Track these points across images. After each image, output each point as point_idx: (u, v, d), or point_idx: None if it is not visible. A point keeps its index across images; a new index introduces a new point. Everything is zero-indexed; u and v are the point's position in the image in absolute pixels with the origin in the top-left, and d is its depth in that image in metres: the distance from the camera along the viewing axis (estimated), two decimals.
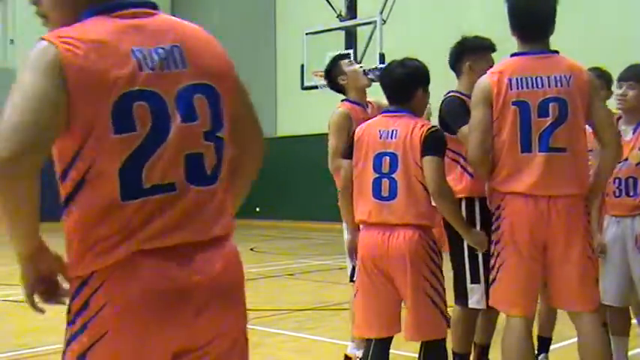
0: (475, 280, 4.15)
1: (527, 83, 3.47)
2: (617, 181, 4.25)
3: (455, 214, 3.82)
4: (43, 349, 5.62)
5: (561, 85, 3.46)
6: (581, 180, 3.53)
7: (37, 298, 2.04)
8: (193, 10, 24.27)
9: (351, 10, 14.74)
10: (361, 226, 3.76)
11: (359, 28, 14.61)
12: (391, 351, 3.87)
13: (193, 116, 1.84)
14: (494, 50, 4.36)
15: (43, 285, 2.10)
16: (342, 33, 14.68)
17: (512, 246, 3.49)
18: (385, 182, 3.59)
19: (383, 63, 13.59)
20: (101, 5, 1.87)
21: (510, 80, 3.48)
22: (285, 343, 5.79)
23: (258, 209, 21.91)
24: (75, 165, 1.97)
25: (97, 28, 1.82)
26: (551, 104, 3.45)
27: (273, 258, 12.42)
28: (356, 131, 3.83)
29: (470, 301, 4.18)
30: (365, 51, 14.35)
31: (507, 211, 3.51)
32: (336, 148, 4.65)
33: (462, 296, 4.20)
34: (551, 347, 5.13)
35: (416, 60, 3.85)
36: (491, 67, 4.14)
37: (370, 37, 14.16)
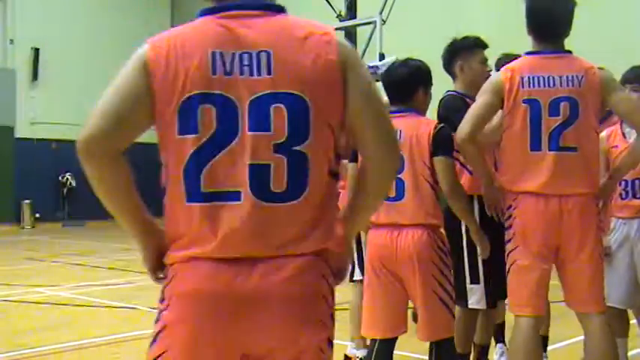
0: (475, 280, 4.16)
1: (538, 82, 3.48)
2: (623, 182, 4.24)
3: (468, 215, 3.84)
4: (43, 349, 5.62)
5: (573, 85, 3.46)
6: (591, 179, 3.52)
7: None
8: (193, 10, 24.17)
9: (351, 10, 14.73)
10: (370, 227, 3.75)
11: (359, 28, 14.60)
12: (395, 352, 3.86)
13: (265, 126, 1.77)
14: (485, 47, 4.35)
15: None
16: (342, 33, 14.65)
17: (524, 246, 3.49)
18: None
19: (382, 60, 13.61)
20: (210, 6, 1.92)
21: (522, 78, 3.49)
22: None
23: None
24: (163, 166, 2.02)
25: (191, 29, 1.89)
26: (562, 103, 3.45)
27: None
28: None
29: (469, 302, 4.18)
30: (365, 51, 14.34)
31: (519, 210, 3.50)
32: None
33: (461, 296, 4.20)
34: (552, 347, 5.13)
35: (418, 60, 3.85)
36: (483, 63, 4.17)
37: (370, 38, 14.15)
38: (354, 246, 5.01)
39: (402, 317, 3.70)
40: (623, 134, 4.34)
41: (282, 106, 1.77)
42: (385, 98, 3.60)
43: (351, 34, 14.60)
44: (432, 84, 3.80)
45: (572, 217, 3.43)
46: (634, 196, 4.25)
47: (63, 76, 21.89)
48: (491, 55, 4.33)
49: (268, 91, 1.78)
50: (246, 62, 1.79)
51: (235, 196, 1.77)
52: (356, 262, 4.93)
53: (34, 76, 21.34)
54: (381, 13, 13.80)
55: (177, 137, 1.81)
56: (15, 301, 7.88)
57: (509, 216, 3.57)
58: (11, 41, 21.20)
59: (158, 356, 1.83)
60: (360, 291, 4.78)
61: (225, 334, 1.78)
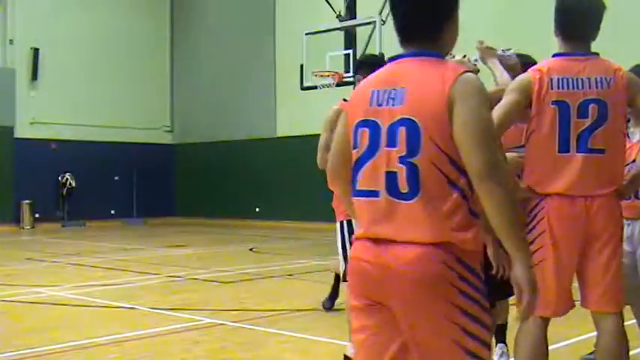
0: None
1: (567, 84, 3.48)
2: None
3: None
4: (42, 349, 5.62)
5: (602, 87, 3.47)
6: (617, 180, 3.53)
7: None
8: (193, 10, 24.26)
9: (351, 10, 14.73)
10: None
11: (358, 29, 14.60)
12: None
13: (393, 142, 2.35)
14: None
15: None
16: (342, 33, 14.68)
17: (550, 247, 3.47)
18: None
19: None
20: (392, 57, 2.53)
21: (552, 79, 3.49)
22: (285, 343, 5.79)
23: (257, 209, 21.92)
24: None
25: (372, 75, 2.54)
26: (590, 105, 3.45)
27: (272, 258, 12.42)
28: None
29: None
30: (364, 51, 14.34)
31: (544, 211, 3.49)
32: (326, 143, 4.78)
33: None
34: (552, 347, 5.13)
35: None
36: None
37: (369, 38, 14.15)
38: (342, 248, 5.03)
39: None
40: (626, 134, 4.34)
41: (404, 128, 2.34)
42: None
43: (350, 35, 14.61)
44: None
45: (598, 217, 3.44)
46: (637, 197, 4.25)
47: (62, 76, 21.89)
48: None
49: (400, 117, 2.36)
50: (392, 96, 2.41)
51: (375, 193, 2.40)
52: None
53: (34, 76, 21.34)
54: (380, 13, 13.79)
55: (352, 151, 2.50)
56: (15, 301, 7.88)
57: (534, 217, 3.57)
58: (11, 41, 21.21)
59: None
60: None
61: (371, 292, 2.41)
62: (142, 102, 23.83)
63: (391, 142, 2.35)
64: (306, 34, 14.92)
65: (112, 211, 22.62)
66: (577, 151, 3.45)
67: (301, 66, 14.82)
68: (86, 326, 6.55)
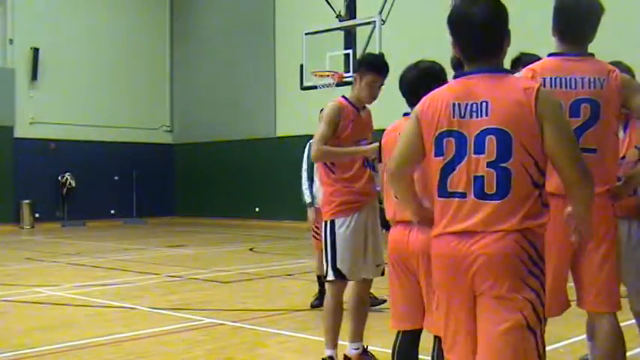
0: None
1: (560, 83, 3.50)
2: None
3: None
4: (42, 349, 5.62)
5: (594, 87, 3.49)
6: (609, 180, 3.54)
7: None
8: (193, 10, 24.25)
9: (351, 10, 14.72)
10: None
11: (358, 29, 14.59)
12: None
13: (481, 150, 2.72)
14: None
15: None
16: (342, 33, 14.67)
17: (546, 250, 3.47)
18: None
19: None
20: (460, 73, 2.89)
21: (544, 79, 3.50)
22: (285, 343, 5.79)
23: (257, 209, 21.91)
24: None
25: (443, 89, 2.89)
26: (582, 105, 3.47)
27: (272, 258, 12.42)
28: (383, 136, 4.03)
29: None
30: (364, 51, 14.33)
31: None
32: (322, 136, 4.84)
33: None
34: (552, 347, 5.13)
35: (432, 61, 3.94)
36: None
37: (369, 38, 14.15)
38: (327, 248, 4.98)
39: (419, 310, 3.71)
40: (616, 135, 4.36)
41: (493, 136, 2.71)
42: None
43: (350, 35, 14.60)
44: (441, 82, 3.80)
45: (592, 216, 3.44)
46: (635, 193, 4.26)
47: (62, 75, 21.90)
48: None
49: (486, 127, 2.73)
50: (474, 109, 2.76)
51: (464, 195, 2.78)
52: (329, 264, 4.92)
53: (34, 75, 21.34)
54: (380, 13, 13.79)
55: (434, 158, 2.86)
56: (14, 301, 7.88)
57: None
58: (10, 41, 21.21)
59: None
60: (334, 291, 4.85)
61: (460, 280, 2.79)
62: (142, 102, 23.83)
63: (479, 150, 2.73)
64: (306, 34, 14.91)
65: (112, 211, 22.62)
66: None
67: (301, 66, 14.81)
68: (86, 326, 6.55)
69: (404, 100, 3.97)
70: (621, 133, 4.32)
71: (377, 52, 13.57)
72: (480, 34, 2.83)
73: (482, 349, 2.77)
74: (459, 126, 2.76)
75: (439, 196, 2.84)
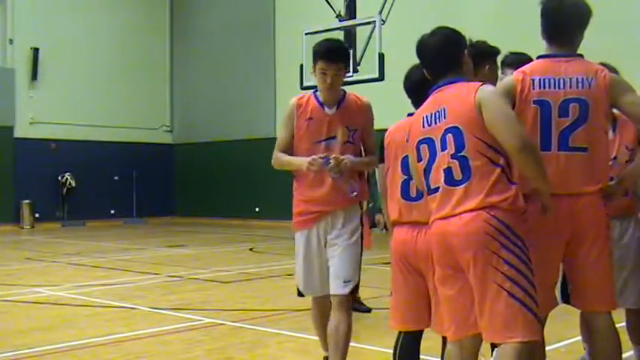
0: None
1: (549, 83, 3.53)
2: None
3: None
4: (42, 349, 5.62)
5: (582, 87, 3.51)
6: (600, 179, 3.55)
7: None
8: (193, 10, 24.24)
9: (351, 10, 14.69)
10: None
11: (358, 28, 14.58)
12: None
13: (445, 147, 3.25)
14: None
15: None
16: (342, 33, 14.65)
17: (534, 246, 3.44)
18: (413, 184, 3.70)
19: (382, 63, 13.60)
20: (433, 86, 3.44)
21: (533, 80, 3.55)
22: (284, 343, 5.80)
23: (257, 209, 21.91)
24: None
25: (420, 109, 3.47)
26: (571, 104, 3.50)
27: (272, 258, 12.42)
28: (385, 136, 3.98)
29: None
30: (364, 51, 14.33)
31: (529, 211, 3.45)
32: (278, 140, 4.52)
33: None
34: (551, 347, 5.13)
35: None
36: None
37: (369, 38, 14.14)
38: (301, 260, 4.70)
39: (424, 311, 3.72)
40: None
41: (450, 134, 3.26)
42: None
43: (350, 34, 14.59)
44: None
45: (584, 215, 3.47)
46: (626, 195, 4.28)
47: (62, 75, 21.90)
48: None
49: (446, 127, 3.26)
50: (437, 116, 3.32)
51: (438, 189, 3.30)
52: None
53: (34, 75, 21.34)
54: (380, 13, 13.79)
55: (416, 164, 3.47)
56: (14, 301, 7.89)
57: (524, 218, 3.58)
58: (10, 41, 21.21)
59: None
60: (312, 304, 4.66)
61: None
62: (142, 102, 23.83)
63: (443, 147, 3.24)
64: (306, 33, 14.90)
65: (112, 211, 22.62)
66: (559, 150, 3.50)
67: (301, 66, 14.79)
68: (86, 326, 6.55)
69: (408, 99, 3.97)
70: (610, 133, 4.35)
71: (377, 52, 13.60)
72: (434, 58, 3.51)
73: (481, 326, 3.15)
74: (428, 133, 3.34)
75: (429, 194, 3.37)
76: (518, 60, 4.21)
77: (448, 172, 3.24)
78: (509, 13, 15.63)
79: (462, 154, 3.19)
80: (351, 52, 14.31)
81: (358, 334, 6.00)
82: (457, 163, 3.21)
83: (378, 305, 7.52)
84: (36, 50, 21.23)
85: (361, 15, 14.54)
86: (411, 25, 17.49)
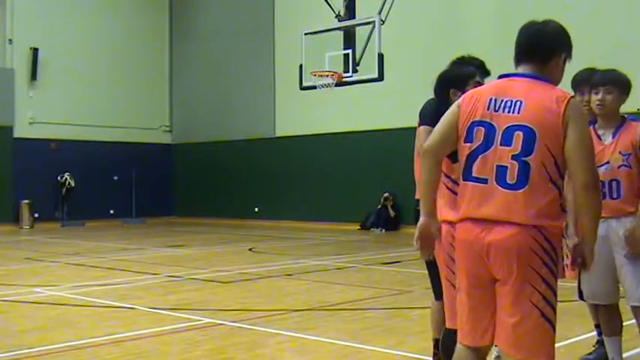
0: None
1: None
2: (600, 183, 4.29)
3: None
4: (41, 349, 5.62)
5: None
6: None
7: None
8: (193, 10, 24.24)
9: (350, 10, 14.72)
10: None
11: (357, 29, 14.60)
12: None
13: (508, 143, 2.98)
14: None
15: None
16: (341, 33, 14.68)
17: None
18: None
19: (381, 63, 13.61)
20: (503, 75, 3.18)
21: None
22: (284, 343, 5.79)
23: (257, 209, 21.92)
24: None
25: (487, 86, 3.24)
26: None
27: (271, 258, 12.42)
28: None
29: None
30: (364, 51, 14.35)
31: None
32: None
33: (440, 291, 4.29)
34: None
35: (475, 58, 4.02)
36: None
37: (369, 38, 14.16)
38: None
39: None
40: (598, 136, 4.41)
41: (520, 132, 2.98)
42: None
43: (349, 35, 14.61)
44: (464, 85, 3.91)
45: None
46: (610, 197, 4.32)
47: (62, 75, 21.90)
48: (491, 54, 4.32)
49: (516, 123, 2.99)
50: (508, 105, 3.04)
51: (485, 181, 3.03)
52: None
53: (33, 75, 21.34)
54: (379, 13, 13.80)
55: (463, 144, 3.12)
56: (14, 301, 7.88)
57: None
58: (10, 41, 21.20)
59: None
60: None
61: (478, 264, 3.04)
62: (141, 102, 23.84)
63: (505, 142, 2.99)
64: (306, 34, 14.92)
65: (111, 211, 22.62)
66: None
67: (300, 66, 14.82)
68: (85, 326, 6.55)
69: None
70: (609, 139, 4.36)
71: (376, 52, 13.60)
72: (535, 42, 3.17)
73: (499, 338, 3.01)
74: (490, 118, 3.05)
75: (465, 180, 3.09)
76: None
77: (502, 170, 2.99)
78: (509, 14, 15.62)
79: (526, 159, 2.95)
80: (351, 52, 14.34)
81: (358, 334, 6.00)
82: (517, 165, 2.96)
83: (378, 305, 7.52)
84: (35, 50, 21.22)
85: (360, 15, 14.56)
86: (410, 25, 17.59)
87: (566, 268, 4.95)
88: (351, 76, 14.34)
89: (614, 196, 4.32)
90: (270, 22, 21.78)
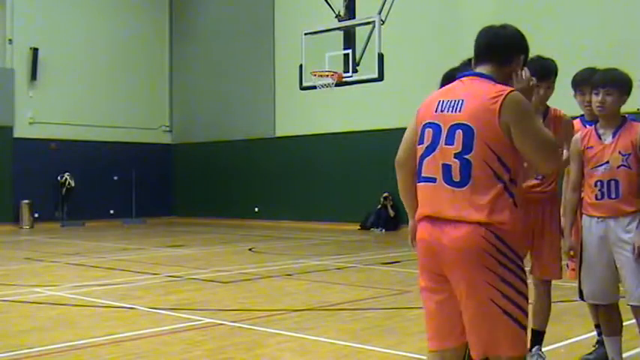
0: None
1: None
2: (598, 183, 4.35)
3: None
4: (41, 349, 5.62)
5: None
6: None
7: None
8: (193, 9, 24.24)
9: (350, 10, 14.72)
10: None
11: (357, 29, 14.60)
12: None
13: (451, 142, 3.03)
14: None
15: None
16: (341, 33, 14.67)
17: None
18: None
19: (381, 63, 13.61)
20: (459, 76, 3.22)
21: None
22: (284, 343, 5.79)
23: (256, 209, 21.92)
24: None
25: (441, 89, 3.29)
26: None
27: (271, 258, 12.42)
28: None
29: None
30: (364, 51, 14.34)
31: None
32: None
33: None
34: (551, 347, 5.14)
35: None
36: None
37: (369, 38, 14.15)
38: None
39: None
40: (599, 135, 4.41)
41: (461, 130, 3.01)
42: None
43: (349, 35, 14.61)
44: None
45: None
46: (609, 197, 4.33)
47: (62, 75, 21.90)
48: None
49: (457, 122, 3.03)
50: (452, 104, 3.09)
51: (433, 180, 3.07)
52: None
53: (33, 75, 21.34)
54: (379, 13, 13.80)
55: (417, 146, 3.18)
56: (14, 301, 7.88)
57: None
58: (10, 41, 21.21)
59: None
60: None
61: (433, 263, 3.07)
62: (141, 102, 23.84)
63: (449, 141, 3.03)
64: (306, 34, 14.91)
65: (111, 211, 22.62)
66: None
67: (300, 66, 14.81)
68: (85, 326, 6.55)
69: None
70: (609, 139, 4.36)
71: (376, 52, 13.60)
72: (489, 44, 3.22)
73: (470, 338, 3.00)
74: (437, 119, 3.10)
75: (417, 181, 3.17)
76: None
77: (447, 168, 3.02)
78: (509, 14, 15.61)
79: (467, 157, 2.98)
80: (351, 52, 14.34)
81: (358, 334, 6.00)
82: (459, 163, 2.99)
83: (378, 305, 7.52)
84: (35, 50, 21.22)
85: (360, 15, 14.56)
86: (410, 25, 17.58)
87: (566, 268, 4.96)
88: (351, 76, 14.34)
89: (613, 196, 4.32)
90: (270, 22, 21.77)
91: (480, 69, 3.18)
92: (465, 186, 2.97)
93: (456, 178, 2.99)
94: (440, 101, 3.13)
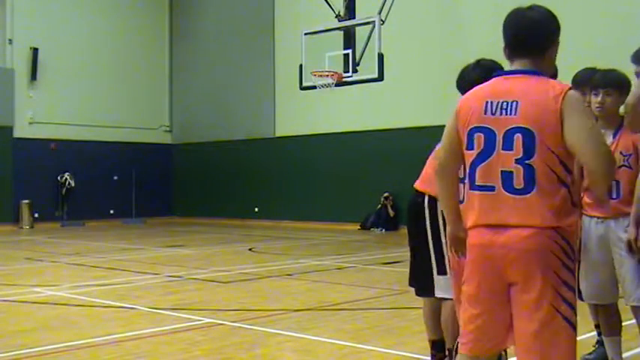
0: (442, 272, 4.28)
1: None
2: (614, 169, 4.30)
3: None
4: (41, 349, 5.62)
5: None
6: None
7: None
8: (193, 9, 24.24)
9: (350, 10, 14.74)
10: None
11: (357, 29, 14.61)
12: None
13: (510, 147, 2.86)
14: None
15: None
16: (341, 33, 14.69)
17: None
18: None
19: (381, 63, 13.62)
20: (499, 73, 3.07)
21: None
22: (284, 343, 5.79)
23: (257, 209, 21.92)
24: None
25: (483, 87, 3.03)
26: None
27: (271, 258, 12.42)
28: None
29: (436, 292, 4.32)
30: (363, 51, 14.35)
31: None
32: None
33: (430, 288, 4.30)
34: None
35: (492, 60, 3.97)
36: None
37: (369, 38, 14.16)
38: None
39: None
40: None
41: (520, 135, 2.85)
42: None
43: (349, 35, 14.62)
44: None
45: None
46: (610, 197, 4.33)
47: (62, 75, 21.90)
48: (491, 54, 4.31)
49: (515, 125, 2.86)
50: (504, 107, 2.91)
51: (492, 188, 2.92)
52: None
53: (33, 75, 21.33)
54: (379, 13, 13.81)
55: (465, 152, 3.01)
56: (14, 301, 7.88)
57: None
58: (10, 41, 21.20)
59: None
60: None
61: (493, 270, 2.91)
62: (141, 102, 23.84)
63: (507, 146, 2.87)
64: (306, 34, 14.93)
65: (111, 211, 22.62)
66: None
67: (300, 66, 14.82)
68: (85, 326, 6.55)
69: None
70: (610, 139, 4.36)
71: (376, 52, 13.61)
72: (523, 34, 3.02)
73: (520, 347, 2.86)
74: (488, 122, 2.93)
75: (471, 189, 2.99)
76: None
77: (508, 176, 2.86)
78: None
79: (529, 162, 2.82)
80: (351, 52, 14.35)
81: (358, 334, 6.00)
82: (522, 170, 2.84)
83: (378, 305, 7.52)
84: (35, 50, 21.22)
85: (360, 15, 14.58)
86: (410, 25, 17.58)
87: None
88: (351, 76, 14.35)
89: (614, 196, 4.32)
90: (270, 22, 21.77)
91: (517, 63, 3.00)
92: (529, 193, 2.83)
93: (519, 185, 2.84)
94: (488, 102, 2.94)
